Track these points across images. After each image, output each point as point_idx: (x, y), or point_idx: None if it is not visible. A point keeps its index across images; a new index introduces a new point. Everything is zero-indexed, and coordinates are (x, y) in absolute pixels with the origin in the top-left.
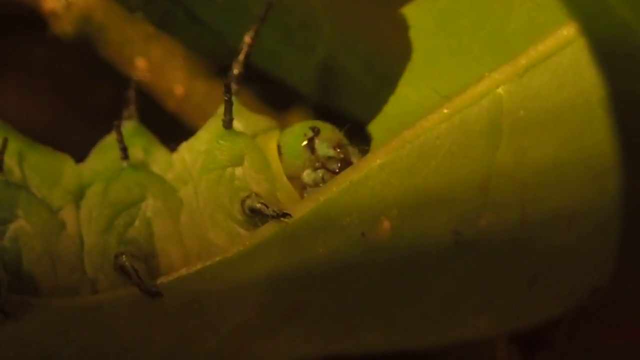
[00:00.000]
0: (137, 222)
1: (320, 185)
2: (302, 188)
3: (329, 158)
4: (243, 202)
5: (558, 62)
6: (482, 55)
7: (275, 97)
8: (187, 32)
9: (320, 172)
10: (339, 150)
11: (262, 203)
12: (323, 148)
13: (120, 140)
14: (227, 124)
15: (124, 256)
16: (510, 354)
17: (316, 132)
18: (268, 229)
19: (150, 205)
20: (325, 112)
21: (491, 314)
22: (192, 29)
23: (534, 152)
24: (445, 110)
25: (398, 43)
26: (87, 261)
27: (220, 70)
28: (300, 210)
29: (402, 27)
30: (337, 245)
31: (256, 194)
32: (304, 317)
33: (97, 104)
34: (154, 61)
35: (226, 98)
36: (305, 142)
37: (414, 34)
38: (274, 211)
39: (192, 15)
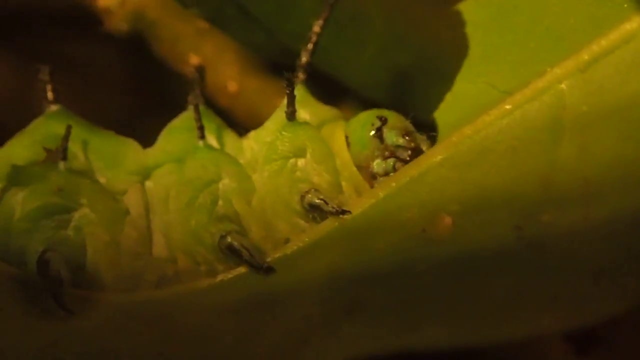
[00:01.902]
0: (221, 201)
1: (392, 174)
2: (371, 177)
3: (399, 147)
4: (303, 197)
5: (621, 57)
6: (539, 50)
7: (325, 92)
8: (239, 28)
9: (391, 162)
10: (408, 138)
11: (321, 199)
12: (392, 137)
13: (198, 118)
14: (290, 116)
15: (229, 236)
16: (565, 351)
17: (384, 121)
18: (327, 225)
19: (227, 185)
20: (375, 108)
21: (556, 310)
22: (244, 25)
23: (597, 147)
24: (507, 106)
25: (449, 39)
26: (161, 242)
27: (273, 66)
28: (360, 206)
29: (452, 22)
30: (397, 241)
31: (316, 190)
32: (364, 313)
33: (153, 99)
34: (207, 57)
35: (288, 91)
36: (373, 132)
37: (470, 30)
38: (333, 207)
39: (245, 11)
